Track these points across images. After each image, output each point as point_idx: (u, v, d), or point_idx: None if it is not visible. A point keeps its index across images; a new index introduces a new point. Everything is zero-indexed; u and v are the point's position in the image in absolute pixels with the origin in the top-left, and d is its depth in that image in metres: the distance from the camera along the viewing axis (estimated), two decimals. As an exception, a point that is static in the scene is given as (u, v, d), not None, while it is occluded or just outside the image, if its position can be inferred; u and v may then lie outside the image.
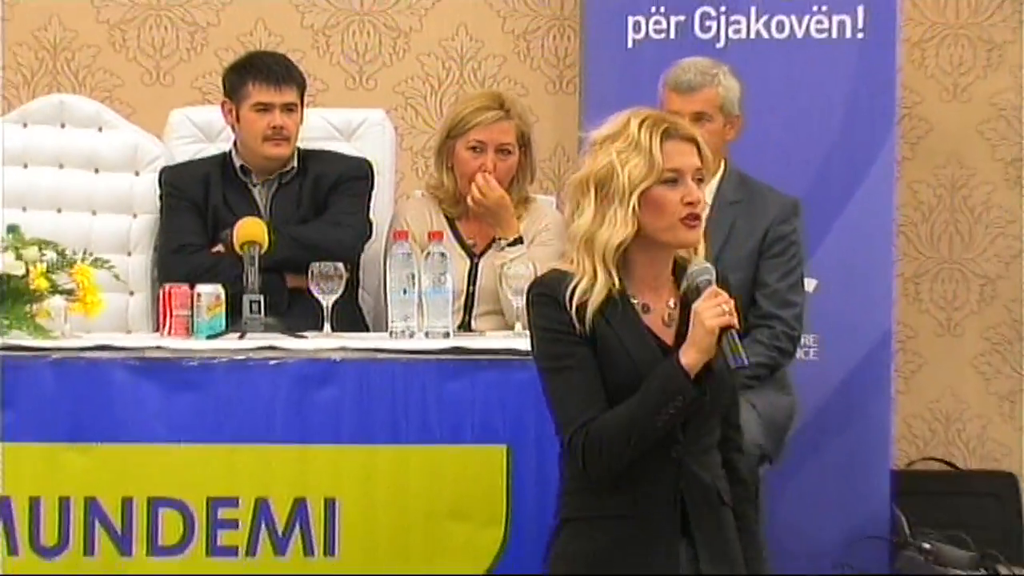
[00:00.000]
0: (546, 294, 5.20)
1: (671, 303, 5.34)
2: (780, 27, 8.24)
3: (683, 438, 5.23)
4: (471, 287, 7.08)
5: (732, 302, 5.15)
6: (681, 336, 5.21)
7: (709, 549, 5.31)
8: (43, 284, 6.46)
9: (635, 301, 5.28)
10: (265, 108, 7.33)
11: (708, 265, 5.34)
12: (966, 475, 8.80)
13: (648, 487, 5.29)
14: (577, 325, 5.09)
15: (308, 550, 6.34)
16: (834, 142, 8.29)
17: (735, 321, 5.12)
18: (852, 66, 8.28)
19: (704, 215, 5.29)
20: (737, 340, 5.11)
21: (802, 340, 7.60)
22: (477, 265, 7.23)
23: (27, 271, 6.47)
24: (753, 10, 8.27)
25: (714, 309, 5.09)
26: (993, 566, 7.59)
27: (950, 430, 8.84)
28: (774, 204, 7.25)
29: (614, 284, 5.17)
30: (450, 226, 7.27)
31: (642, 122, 5.24)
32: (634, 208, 5.16)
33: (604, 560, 5.21)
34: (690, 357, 5.08)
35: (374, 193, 7.60)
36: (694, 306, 5.11)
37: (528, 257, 6.93)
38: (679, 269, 5.33)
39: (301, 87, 7.45)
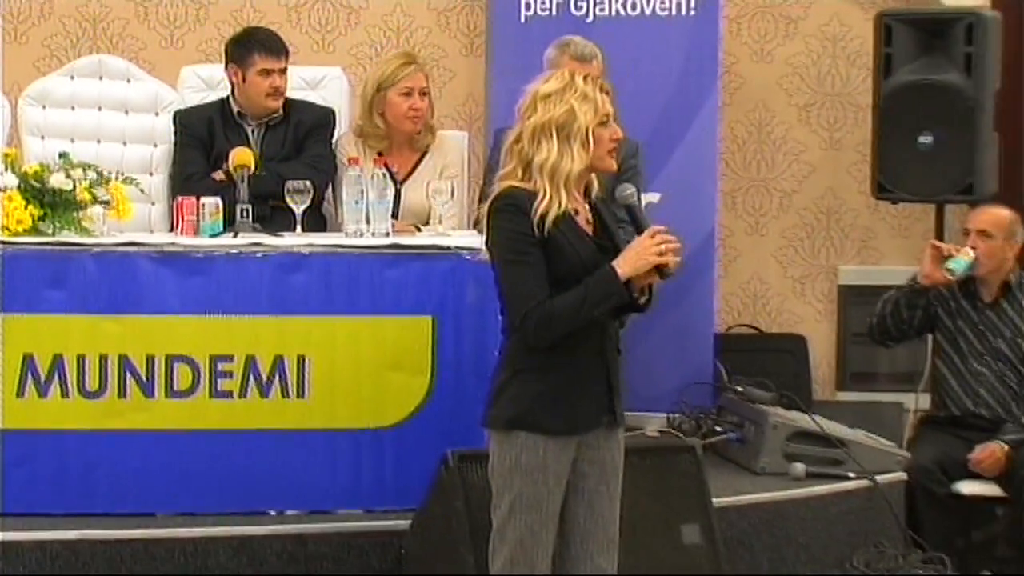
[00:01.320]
0: (515, 205, 5.21)
1: (587, 207, 5.39)
2: (633, 7, 8.18)
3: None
4: (396, 204, 6.95)
5: (675, 245, 5.31)
6: (597, 231, 5.40)
7: (617, 388, 5.42)
8: (87, 196, 6.45)
9: (569, 209, 5.26)
10: (268, 73, 7.28)
11: (628, 184, 5.68)
12: (768, 337, 8.85)
13: (582, 346, 5.34)
14: (537, 232, 5.13)
15: (285, 393, 6.42)
16: (672, 92, 8.23)
17: (669, 261, 5.26)
18: (686, 36, 8.21)
19: None
20: (658, 281, 5.36)
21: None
22: (400, 188, 7.15)
23: (74, 186, 6.44)
24: None
25: (657, 248, 5.25)
26: (787, 401, 7.60)
27: (757, 304, 8.89)
28: (624, 144, 7.23)
29: (568, 202, 5.24)
30: (385, 165, 7.19)
31: (584, 79, 5.35)
32: (587, 144, 5.22)
33: (550, 398, 5.25)
34: (626, 272, 5.22)
35: (336, 132, 7.58)
36: (640, 237, 5.29)
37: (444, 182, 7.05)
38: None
39: (288, 56, 7.39)
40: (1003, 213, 7.64)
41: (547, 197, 5.16)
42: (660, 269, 5.25)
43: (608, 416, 5.38)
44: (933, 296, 7.62)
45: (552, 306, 5.14)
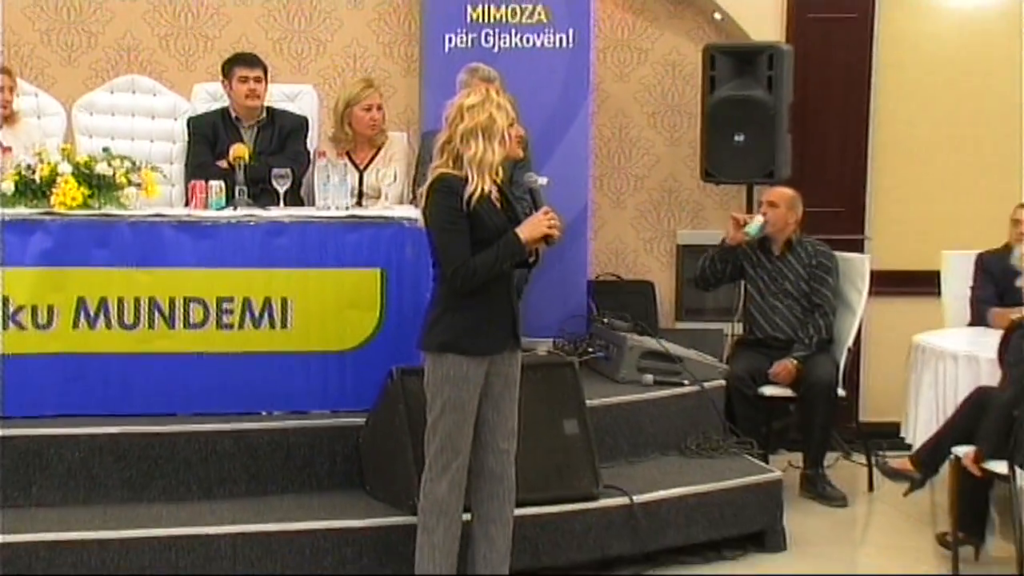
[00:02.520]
0: (449, 187, 5.30)
1: (495, 188, 5.43)
2: (527, 41, 8.15)
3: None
4: (360, 186, 6.98)
5: (559, 222, 5.43)
6: (503, 206, 5.53)
7: (518, 319, 5.54)
8: (124, 180, 6.38)
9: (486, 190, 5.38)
10: (244, 79, 7.25)
11: (533, 173, 5.85)
12: (626, 283, 8.79)
13: (493, 290, 5.42)
14: (464, 207, 5.26)
15: (272, 325, 6.41)
16: (556, 103, 8.17)
17: (555, 233, 5.41)
18: (566, 63, 8.18)
19: None
20: (544, 246, 5.47)
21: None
22: (362, 174, 7.19)
23: (114, 173, 6.37)
24: (514, 31, 8.15)
25: (548, 222, 5.39)
26: (640, 329, 7.64)
27: (618, 259, 8.88)
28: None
29: (488, 186, 5.35)
30: (348, 157, 7.23)
31: (496, 92, 5.47)
32: (504, 141, 5.35)
33: (471, 328, 5.35)
34: (525, 237, 5.35)
35: (310, 134, 7.55)
36: (537, 213, 5.44)
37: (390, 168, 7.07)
38: None
39: (264, 69, 7.34)
40: (787, 190, 7.81)
41: (475, 182, 5.24)
42: (547, 238, 5.36)
43: (512, 340, 5.46)
44: (740, 253, 7.76)
45: (474, 263, 5.23)
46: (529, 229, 5.36)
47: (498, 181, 5.44)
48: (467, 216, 5.32)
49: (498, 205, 5.45)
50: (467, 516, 5.45)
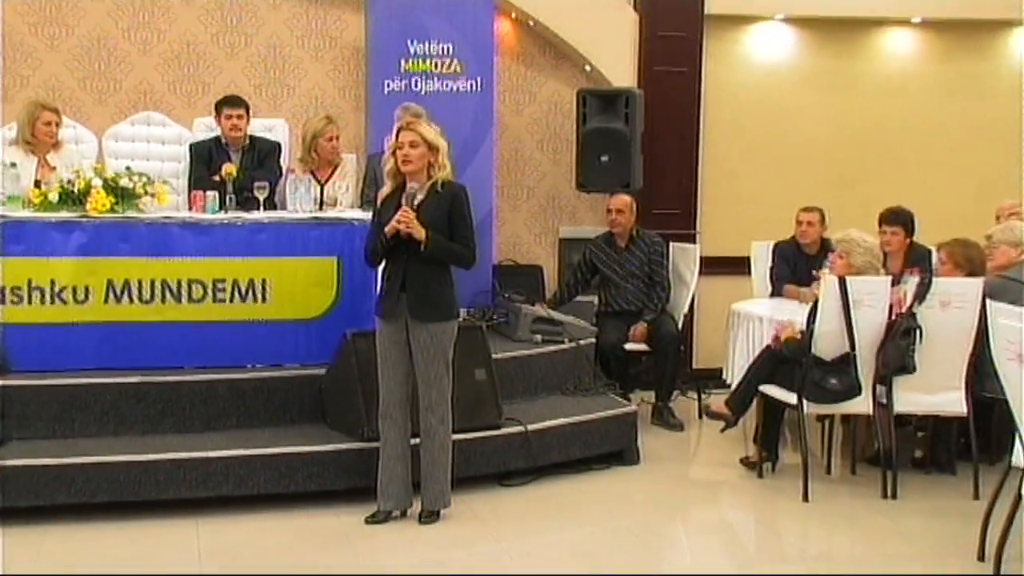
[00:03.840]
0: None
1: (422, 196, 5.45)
2: (447, 86, 8.04)
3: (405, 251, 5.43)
4: (321, 195, 6.87)
5: (409, 216, 5.36)
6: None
7: (413, 295, 5.44)
8: (141, 191, 6.36)
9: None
10: (229, 116, 7.18)
11: (416, 184, 5.49)
12: (521, 267, 8.69)
13: (391, 269, 5.51)
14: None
15: (255, 300, 6.39)
16: (468, 132, 8.02)
17: (401, 228, 5.36)
18: (476, 101, 8.09)
19: None
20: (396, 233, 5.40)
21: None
22: (323, 187, 7.03)
23: (134, 185, 6.32)
24: (439, 79, 8.04)
25: (401, 218, 5.36)
26: (531, 301, 7.67)
27: (515, 248, 8.77)
28: None
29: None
30: (312, 174, 7.07)
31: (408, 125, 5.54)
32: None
33: (384, 291, 5.53)
34: (388, 230, 5.40)
35: (282, 155, 7.44)
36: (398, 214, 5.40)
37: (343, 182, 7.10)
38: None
39: (246, 108, 7.26)
40: (626, 197, 7.86)
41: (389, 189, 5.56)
42: (400, 231, 5.36)
43: (404, 309, 5.44)
44: (590, 253, 7.80)
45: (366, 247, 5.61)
46: (391, 224, 5.38)
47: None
48: (377, 214, 5.57)
49: (406, 201, 5.46)
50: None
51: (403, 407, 5.52)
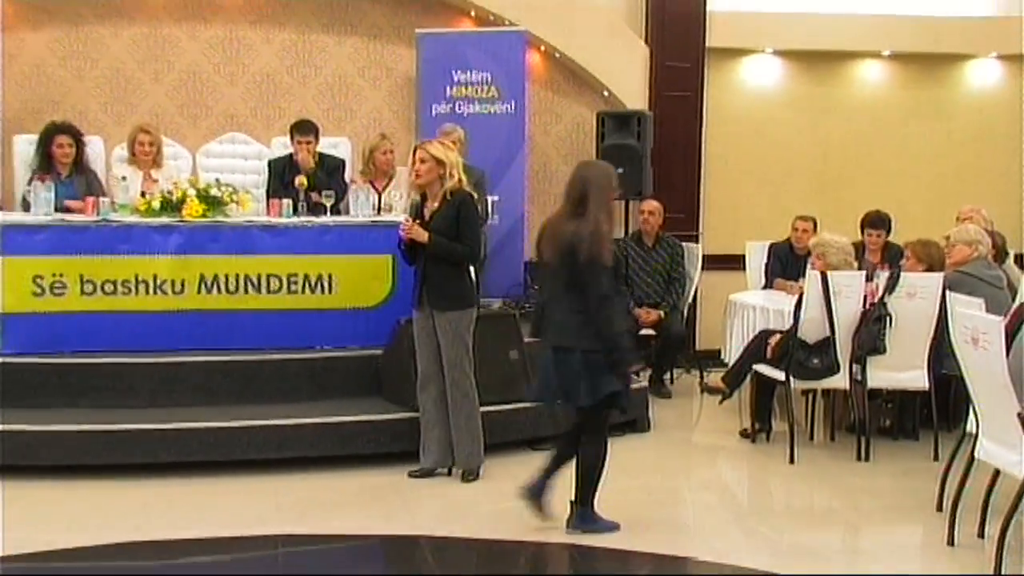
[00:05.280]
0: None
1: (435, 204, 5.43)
2: (485, 108, 8.02)
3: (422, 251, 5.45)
4: (378, 203, 6.88)
5: (408, 224, 5.40)
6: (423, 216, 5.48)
7: (430, 290, 5.44)
8: (228, 199, 6.39)
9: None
10: (300, 142, 7.09)
11: (421, 195, 5.53)
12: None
13: (416, 262, 5.49)
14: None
15: (323, 291, 6.42)
16: (503, 147, 8.00)
17: (402, 235, 5.43)
18: (510, 121, 8.05)
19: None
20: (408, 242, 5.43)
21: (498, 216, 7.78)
22: (380, 194, 7.03)
23: (223, 194, 6.37)
24: (478, 102, 8.02)
25: (402, 227, 5.45)
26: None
27: None
28: (476, 172, 7.09)
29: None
30: (371, 183, 7.08)
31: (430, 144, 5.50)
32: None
33: (413, 286, 5.56)
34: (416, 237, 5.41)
35: (346, 170, 7.43)
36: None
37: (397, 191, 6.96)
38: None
39: (316, 132, 7.20)
40: (655, 202, 7.82)
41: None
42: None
43: (426, 301, 5.44)
44: (621, 252, 7.67)
45: None
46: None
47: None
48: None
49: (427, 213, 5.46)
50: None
51: (436, 380, 5.53)
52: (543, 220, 5.19)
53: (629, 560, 4.66)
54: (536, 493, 4.83)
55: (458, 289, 5.46)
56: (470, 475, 5.57)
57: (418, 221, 5.45)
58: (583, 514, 4.81)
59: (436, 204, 5.42)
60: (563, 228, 4.71)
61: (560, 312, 4.70)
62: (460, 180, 5.42)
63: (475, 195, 5.57)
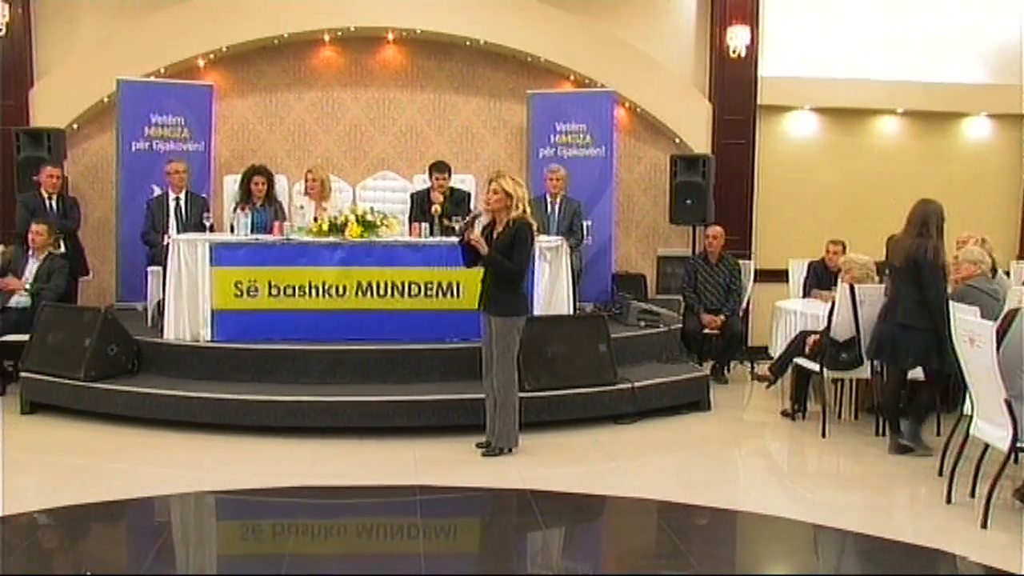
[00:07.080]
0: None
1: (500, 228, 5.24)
2: (582, 151, 8.08)
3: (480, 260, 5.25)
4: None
5: (473, 234, 5.16)
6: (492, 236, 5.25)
7: (488, 297, 5.28)
8: (379, 223, 6.46)
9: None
10: (437, 179, 7.10)
11: (481, 210, 5.34)
12: (631, 275, 8.47)
13: (483, 278, 5.31)
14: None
15: (452, 296, 6.37)
16: (596, 182, 8.06)
17: (466, 238, 5.18)
18: (601, 162, 8.10)
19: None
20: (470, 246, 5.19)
21: (591, 237, 7.57)
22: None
23: (376, 219, 6.42)
24: (576, 147, 8.08)
25: (466, 235, 5.21)
26: (638, 299, 7.59)
27: (627, 262, 8.62)
28: (575, 203, 7.14)
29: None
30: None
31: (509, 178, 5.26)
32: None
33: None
34: (477, 246, 5.21)
35: (471, 201, 7.39)
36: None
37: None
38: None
39: (448, 171, 7.16)
40: (719, 229, 7.72)
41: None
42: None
43: (485, 308, 5.26)
44: (691, 266, 7.65)
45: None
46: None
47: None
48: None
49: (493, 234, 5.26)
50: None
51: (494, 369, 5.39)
52: (889, 236, 5.66)
53: (692, 512, 4.67)
54: (905, 446, 5.47)
55: (508, 299, 5.24)
56: (495, 451, 5.30)
57: (484, 237, 5.27)
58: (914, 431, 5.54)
59: (501, 228, 5.25)
60: (908, 243, 5.33)
61: (908, 301, 5.32)
62: (524, 211, 5.21)
63: (534, 224, 5.29)
